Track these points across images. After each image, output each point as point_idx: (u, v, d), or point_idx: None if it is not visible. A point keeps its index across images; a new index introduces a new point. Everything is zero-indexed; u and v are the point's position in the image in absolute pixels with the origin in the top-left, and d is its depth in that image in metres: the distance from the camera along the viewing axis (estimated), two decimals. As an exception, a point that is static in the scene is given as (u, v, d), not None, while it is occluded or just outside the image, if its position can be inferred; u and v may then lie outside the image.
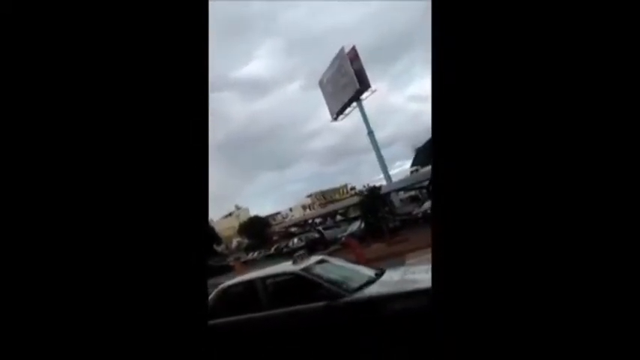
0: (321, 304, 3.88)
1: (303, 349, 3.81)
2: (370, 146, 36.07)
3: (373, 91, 36.07)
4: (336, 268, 4.65)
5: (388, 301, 3.62)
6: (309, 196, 55.08)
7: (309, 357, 3.82)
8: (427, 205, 22.89)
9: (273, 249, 29.07)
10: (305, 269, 4.34)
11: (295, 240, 22.71)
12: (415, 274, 4.39)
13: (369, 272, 4.52)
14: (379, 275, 4.29)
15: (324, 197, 52.99)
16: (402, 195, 28.42)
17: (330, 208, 41.38)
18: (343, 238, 16.32)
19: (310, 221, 38.97)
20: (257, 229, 41.62)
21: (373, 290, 3.89)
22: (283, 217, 50.66)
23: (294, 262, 4.62)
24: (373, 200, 17.48)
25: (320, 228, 26.39)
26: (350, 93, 36.17)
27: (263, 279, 4.44)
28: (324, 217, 38.67)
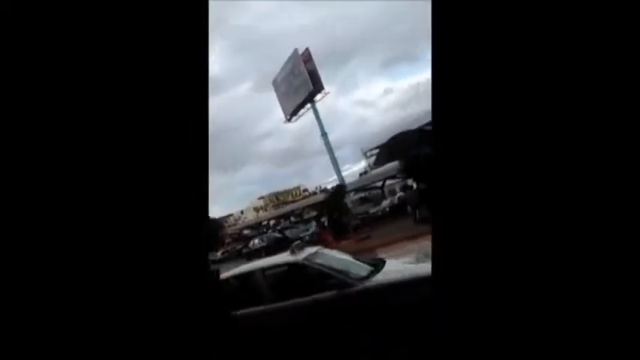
0: (330, 293, 3.74)
1: (315, 342, 3.63)
2: (321, 149, 36.20)
3: (326, 93, 36.30)
4: (335, 258, 4.54)
5: (401, 288, 3.56)
6: (262, 198, 54.29)
7: (320, 350, 3.65)
8: (385, 203, 23.65)
9: (220, 253, 27.78)
10: (307, 259, 4.18)
11: (256, 241, 22.19)
12: (411, 265, 4.39)
13: (364, 263, 4.44)
14: (379, 265, 4.22)
15: (277, 199, 52.47)
16: (352, 196, 29.06)
17: (284, 209, 41.00)
18: (307, 237, 16.35)
19: (265, 223, 38.34)
20: (211, 232, 40.11)
21: (383, 278, 3.82)
22: (236, 220, 49.41)
23: (292, 253, 4.45)
24: (338, 198, 17.72)
25: (279, 228, 26.13)
26: (303, 94, 36.09)
27: (262, 270, 4.21)
28: (277, 218, 38.22)
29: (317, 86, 34.97)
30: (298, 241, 4.93)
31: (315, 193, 42.76)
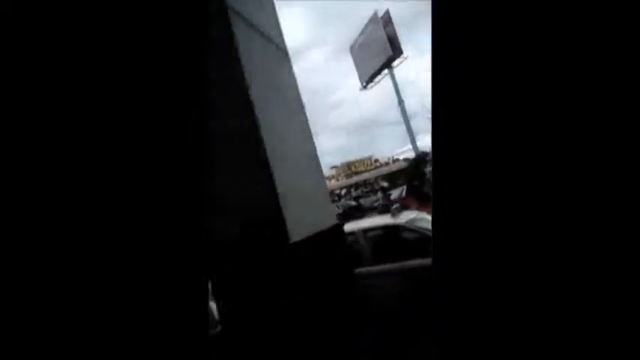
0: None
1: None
2: (394, 118, 35.50)
3: (405, 58, 34.87)
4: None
5: None
6: (334, 167, 54.82)
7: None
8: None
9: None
10: (409, 222, 4.01)
11: (331, 207, 22.63)
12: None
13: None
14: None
15: (349, 168, 52.59)
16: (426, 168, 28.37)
17: (355, 179, 41.08)
18: (381, 206, 16.36)
19: (337, 191, 38.79)
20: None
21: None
22: (308, 187, 50.75)
23: (393, 216, 4.31)
24: (419, 166, 17.32)
25: (354, 196, 26.39)
26: (382, 59, 35.01)
27: (364, 231, 4.14)
28: (349, 187, 38.44)
29: (396, 51, 33.63)
30: (397, 205, 4.78)
31: (387, 164, 42.12)
